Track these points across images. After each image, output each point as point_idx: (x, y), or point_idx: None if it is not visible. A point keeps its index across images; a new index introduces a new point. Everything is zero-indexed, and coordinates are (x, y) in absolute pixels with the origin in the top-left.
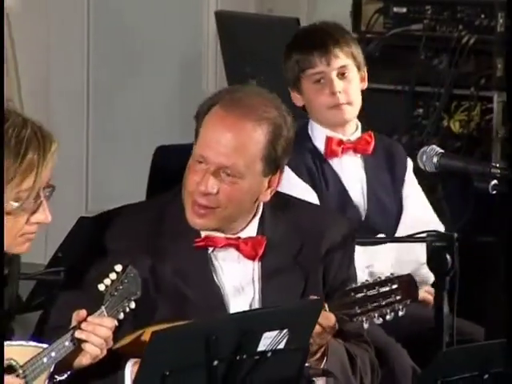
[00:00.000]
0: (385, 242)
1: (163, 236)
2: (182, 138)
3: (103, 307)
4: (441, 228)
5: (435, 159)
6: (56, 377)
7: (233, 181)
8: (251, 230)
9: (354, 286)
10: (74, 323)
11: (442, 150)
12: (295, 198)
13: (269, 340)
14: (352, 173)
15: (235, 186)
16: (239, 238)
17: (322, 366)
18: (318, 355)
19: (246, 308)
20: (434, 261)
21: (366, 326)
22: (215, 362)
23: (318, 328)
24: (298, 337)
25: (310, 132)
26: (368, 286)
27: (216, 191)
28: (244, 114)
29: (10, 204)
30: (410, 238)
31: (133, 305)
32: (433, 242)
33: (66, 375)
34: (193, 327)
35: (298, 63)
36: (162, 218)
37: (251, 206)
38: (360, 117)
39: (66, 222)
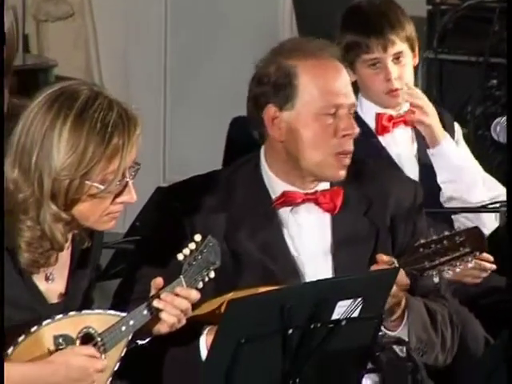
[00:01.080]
0: (456, 212)
1: (237, 202)
2: None
3: (181, 277)
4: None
5: None
6: (137, 341)
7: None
8: (325, 184)
9: (421, 241)
10: (152, 292)
11: None
12: (359, 157)
13: (343, 308)
14: (406, 145)
15: None
16: (316, 191)
17: (402, 325)
18: (398, 313)
19: (322, 264)
20: (507, 230)
21: (436, 280)
22: (290, 331)
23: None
24: (372, 305)
25: (358, 108)
26: (436, 240)
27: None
28: (333, 56)
29: (96, 187)
30: (483, 208)
31: (212, 274)
32: (506, 211)
33: (147, 340)
34: (268, 296)
35: (352, 46)
36: (233, 186)
37: None
38: (432, 87)
39: (143, 192)
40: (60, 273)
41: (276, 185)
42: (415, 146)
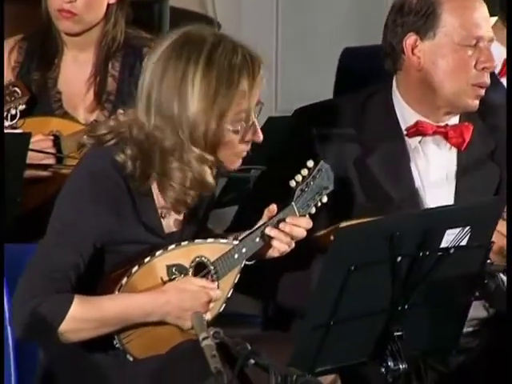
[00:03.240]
0: None
1: (369, 129)
2: (367, 41)
3: (293, 203)
4: None
5: None
6: (246, 262)
7: None
8: (455, 120)
9: None
10: (264, 219)
11: None
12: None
13: (451, 237)
14: None
15: None
16: (447, 125)
17: None
18: None
19: (444, 200)
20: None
21: None
22: (399, 258)
23: None
24: (481, 234)
25: None
26: None
27: None
28: None
29: (226, 129)
30: None
31: (325, 199)
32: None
33: (253, 261)
34: (377, 224)
35: None
36: (366, 113)
37: None
38: None
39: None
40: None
41: (408, 115)
42: None
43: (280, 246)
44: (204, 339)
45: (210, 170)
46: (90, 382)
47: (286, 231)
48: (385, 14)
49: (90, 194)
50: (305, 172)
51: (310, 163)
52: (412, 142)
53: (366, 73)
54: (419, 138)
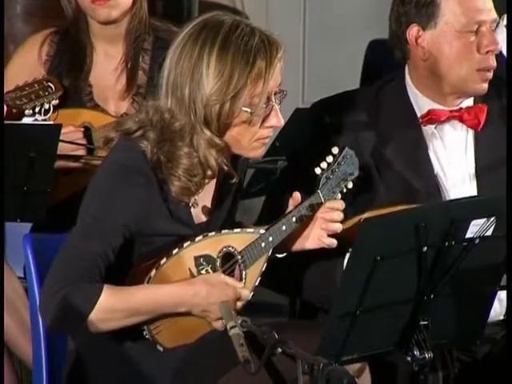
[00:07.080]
0: None
1: (385, 119)
2: None
3: (319, 191)
4: None
5: None
6: (276, 255)
7: None
8: (469, 101)
9: None
10: (290, 207)
11: None
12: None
13: (477, 227)
14: None
15: None
16: (461, 108)
17: None
18: None
19: (466, 188)
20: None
21: None
22: (424, 249)
23: None
24: (506, 224)
25: None
26: None
27: None
28: None
29: (244, 110)
30: None
31: (350, 185)
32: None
33: (284, 254)
34: (403, 215)
35: None
36: (381, 103)
37: None
38: None
39: (283, 113)
40: (204, 200)
41: (422, 102)
42: None
43: (328, 240)
44: (232, 328)
45: (217, 154)
46: (119, 370)
47: (328, 219)
48: None
49: (119, 186)
50: (330, 159)
51: (335, 150)
52: (428, 128)
53: (393, 65)
54: (434, 125)
